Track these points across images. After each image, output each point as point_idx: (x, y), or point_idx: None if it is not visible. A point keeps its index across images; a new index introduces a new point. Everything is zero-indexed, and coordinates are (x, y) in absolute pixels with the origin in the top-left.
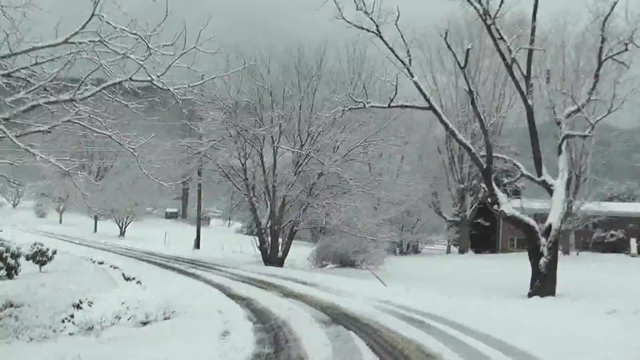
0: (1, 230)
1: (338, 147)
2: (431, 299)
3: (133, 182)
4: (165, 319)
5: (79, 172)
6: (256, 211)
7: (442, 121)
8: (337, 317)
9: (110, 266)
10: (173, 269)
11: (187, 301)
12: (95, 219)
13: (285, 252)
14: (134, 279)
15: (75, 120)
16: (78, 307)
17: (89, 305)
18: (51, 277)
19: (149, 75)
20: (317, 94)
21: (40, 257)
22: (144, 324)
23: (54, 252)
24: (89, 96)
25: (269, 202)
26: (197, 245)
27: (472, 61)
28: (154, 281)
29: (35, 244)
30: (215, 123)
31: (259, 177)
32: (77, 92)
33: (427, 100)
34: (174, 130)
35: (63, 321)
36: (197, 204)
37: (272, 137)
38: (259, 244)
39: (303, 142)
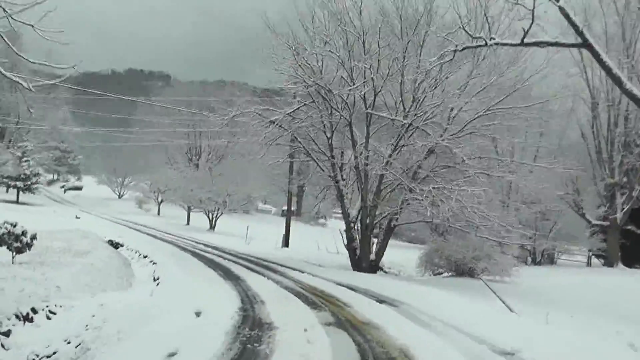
0: (78, 218)
1: (453, 116)
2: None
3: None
4: None
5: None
6: (344, 199)
7: (601, 63)
8: None
9: (147, 259)
10: (222, 268)
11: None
12: (189, 210)
13: (380, 254)
14: (158, 279)
15: None
16: (27, 318)
17: (48, 317)
18: (23, 269)
19: None
20: (426, 45)
21: (13, 242)
22: None
23: (34, 237)
24: None
25: (360, 188)
26: (285, 243)
27: None
28: (182, 285)
29: (4, 223)
30: (297, 88)
31: (348, 156)
32: None
33: (580, 33)
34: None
35: None
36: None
37: (364, 100)
38: (346, 242)
39: (406, 109)
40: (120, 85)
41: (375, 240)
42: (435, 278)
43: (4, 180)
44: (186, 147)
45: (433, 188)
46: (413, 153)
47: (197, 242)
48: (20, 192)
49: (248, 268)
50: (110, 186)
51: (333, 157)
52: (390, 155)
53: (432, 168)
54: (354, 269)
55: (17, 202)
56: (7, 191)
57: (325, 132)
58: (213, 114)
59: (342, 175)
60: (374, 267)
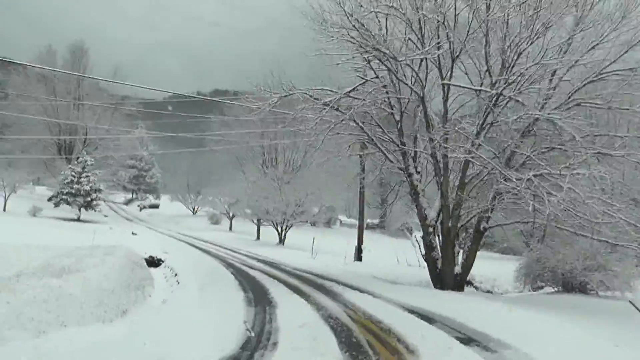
0: (135, 234)
1: (554, 86)
2: None
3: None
4: None
5: None
6: (419, 196)
7: None
8: None
9: (176, 278)
10: (258, 289)
11: None
12: (258, 224)
13: (467, 267)
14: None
15: None
16: None
17: None
18: None
19: None
20: None
21: None
22: None
23: None
24: None
25: (438, 182)
26: (357, 256)
27: None
28: (181, 316)
29: None
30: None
31: (422, 143)
32: None
33: None
34: None
35: None
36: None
37: (439, 68)
38: (423, 253)
39: (493, 78)
40: (205, 106)
41: (461, 250)
42: (540, 296)
43: (63, 196)
44: (261, 158)
45: (534, 176)
46: (506, 133)
47: (253, 257)
48: (83, 210)
49: (293, 287)
50: (184, 203)
51: (403, 144)
52: (477, 135)
53: (530, 151)
54: (434, 286)
55: (78, 219)
56: (74, 208)
57: (393, 115)
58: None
59: (415, 167)
60: (459, 282)
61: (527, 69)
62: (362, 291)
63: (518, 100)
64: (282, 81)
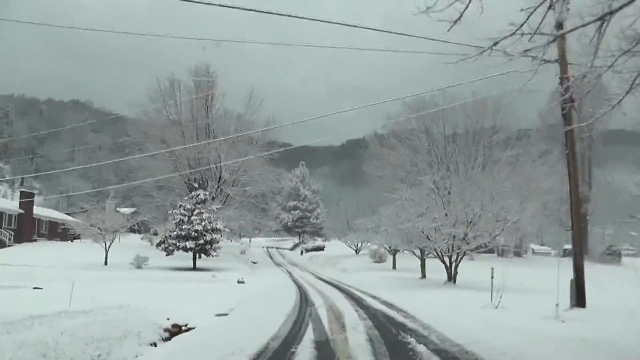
0: (241, 282)
1: None
2: None
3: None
4: None
5: None
6: None
7: None
8: None
9: None
10: None
11: None
12: (422, 256)
13: None
14: None
15: None
16: None
17: None
18: None
19: None
20: None
21: None
22: None
23: None
24: None
25: None
26: (577, 299)
27: None
28: None
29: None
30: None
31: None
32: None
33: None
34: None
35: None
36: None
37: None
38: None
39: None
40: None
41: None
42: None
43: (171, 240)
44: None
45: None
46: None
47: (386, 317)
48: (203, 255)
49: None
50: (345, 241)
51: None
52: None
53: None
54: None
55: (194, 268)
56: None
57: None
58: None
59: None
60: None
61: None
62: None
63: None
64: None
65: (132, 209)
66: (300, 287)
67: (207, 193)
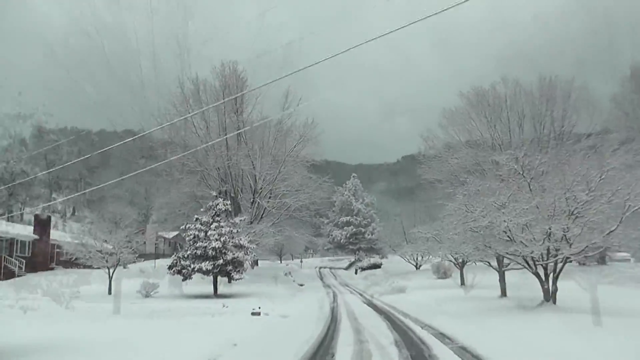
0: (256, 314)
1: None
2: None
3: None
4: None
5: None
6: None
7: None
8: None
9: None
10: None
11: None
12: (500, 268)
13: None
14: None
15: None
16: None
17: None
18: None
19: None
20: None
21: None
22: None
23: None
24: None
25: None
26: None
27: None
28: None
29: None
30: None
31: None
32: None
33: None
34: None
35: None
36: None
37: None
38: None
39: None
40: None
41: None
42: None
43: (183, 262)
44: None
45: None
46: None
47: None
48: (227, 279)
49: None
50: (403, 256)
51: None
52: None
53: None
54: None
55: (215, 294)
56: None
57: None
58: None
59: None
60: None
61: None
62: None
63: None
64: None
65: (175, 232)
66: (334, 318)
67: (229, 203)
